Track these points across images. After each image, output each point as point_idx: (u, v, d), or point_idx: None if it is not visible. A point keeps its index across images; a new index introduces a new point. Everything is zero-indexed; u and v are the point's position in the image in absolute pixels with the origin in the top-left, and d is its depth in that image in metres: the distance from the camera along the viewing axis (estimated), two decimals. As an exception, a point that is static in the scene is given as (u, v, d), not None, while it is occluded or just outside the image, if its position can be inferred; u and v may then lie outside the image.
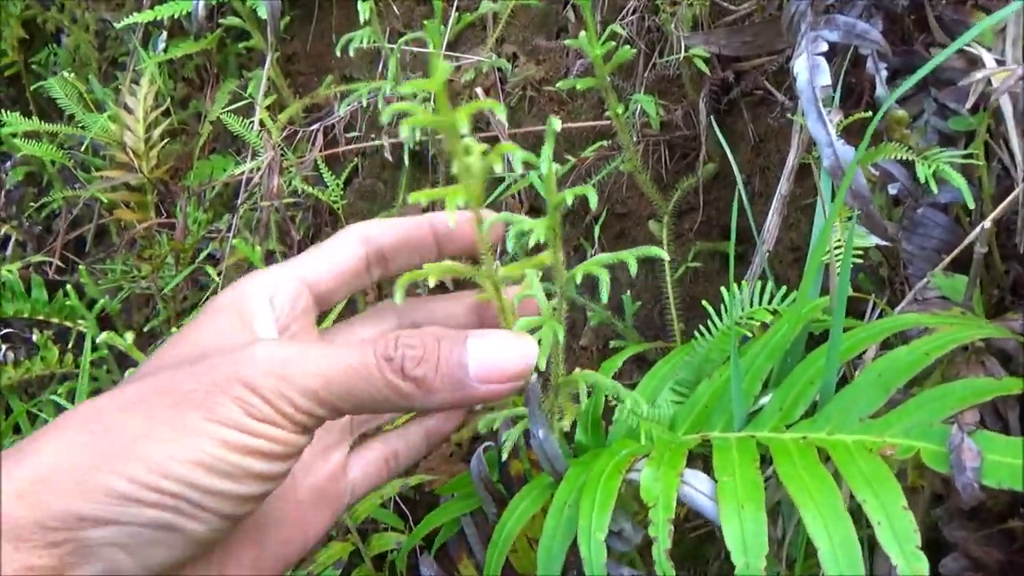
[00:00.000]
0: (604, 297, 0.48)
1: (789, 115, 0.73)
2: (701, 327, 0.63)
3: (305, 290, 0.51)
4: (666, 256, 0.51)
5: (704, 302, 0.64)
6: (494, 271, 0.48)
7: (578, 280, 0.49)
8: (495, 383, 0.44)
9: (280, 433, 0.42)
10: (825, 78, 0.57)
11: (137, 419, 0.41)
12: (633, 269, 0.48)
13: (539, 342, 0.46)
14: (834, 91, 0.58)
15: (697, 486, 0.43)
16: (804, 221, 0.85)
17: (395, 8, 1.17)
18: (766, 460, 0.48)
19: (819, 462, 0.41)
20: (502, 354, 0.45)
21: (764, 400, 0.51)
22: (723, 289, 0.61)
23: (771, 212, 0.74)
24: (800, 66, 0.59)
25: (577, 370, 0.54)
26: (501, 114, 0.48)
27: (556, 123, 0.46)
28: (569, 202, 0.46)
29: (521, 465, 0.55)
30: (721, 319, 0.63)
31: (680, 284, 0.90)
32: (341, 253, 0.52)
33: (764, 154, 0.88)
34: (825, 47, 0.58)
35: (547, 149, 0.46)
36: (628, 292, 0.91)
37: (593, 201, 0.47)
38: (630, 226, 0.96)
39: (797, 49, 0.61)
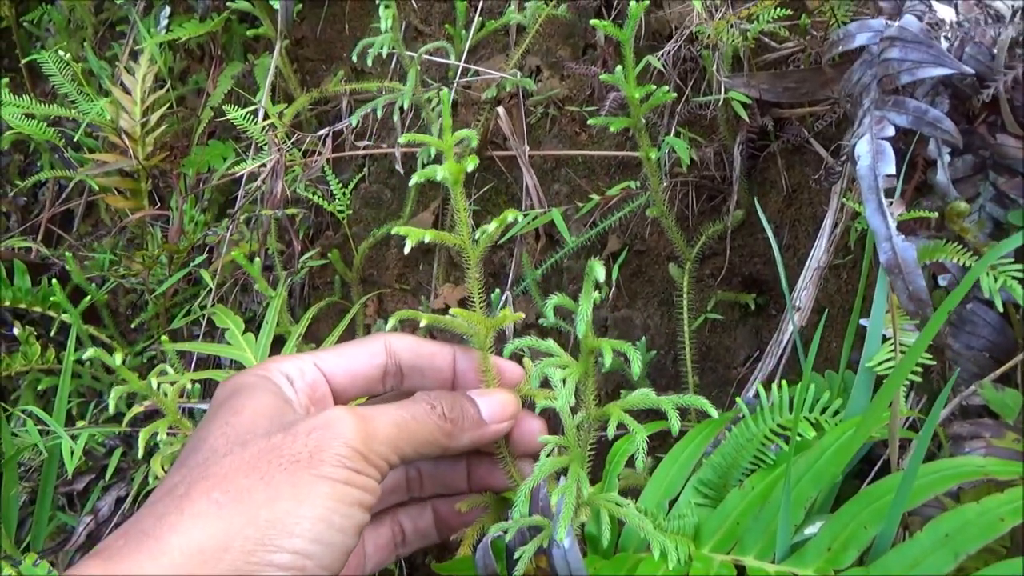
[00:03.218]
0: (640, 464, 0.45)
1: (833, 180, 0.68)
2: (732, 428, 0.59)
3: (323, 379, 0.55)
4: (715, 414, 0.48)
5: (738, 399, 0.60)
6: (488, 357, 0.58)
7: (611, 434, 0.47)
8: (498, 422, 0.56)
9: (370, 482, 0.48)
10: (890, 166, 0.53)
11: (257, 482, 0.46)
12: (675, 428, 0.46)
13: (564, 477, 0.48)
14: (897, 180, 0.54)
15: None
16: (832, 281, 0.81)
17: (412, 2, 1.10)
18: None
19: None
20: (499, 403, 0.56)
21: (809, 531, 0.47)
22: (759, 387, 0.57)
23: (804, 282, 0.70)
24: (862, 149, 0.55)
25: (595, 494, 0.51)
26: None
27: (600, 271, 0.44)
28: (608, 361, 0.45)
29: (531, 568, 0.52)
30: (752, 415, 0.59)
31: (697, 333, 0.87)
32: (362, 359, 0.57)
33: (796, 205, 0.84)
34: (892, 132, 0.54)
35: (585, 301, 0.43)
36: (643, 338, 0.87)
37: (636, 369, 0.45)
38: (648, 264, 0.92)
39: (858, 126, 0.57)
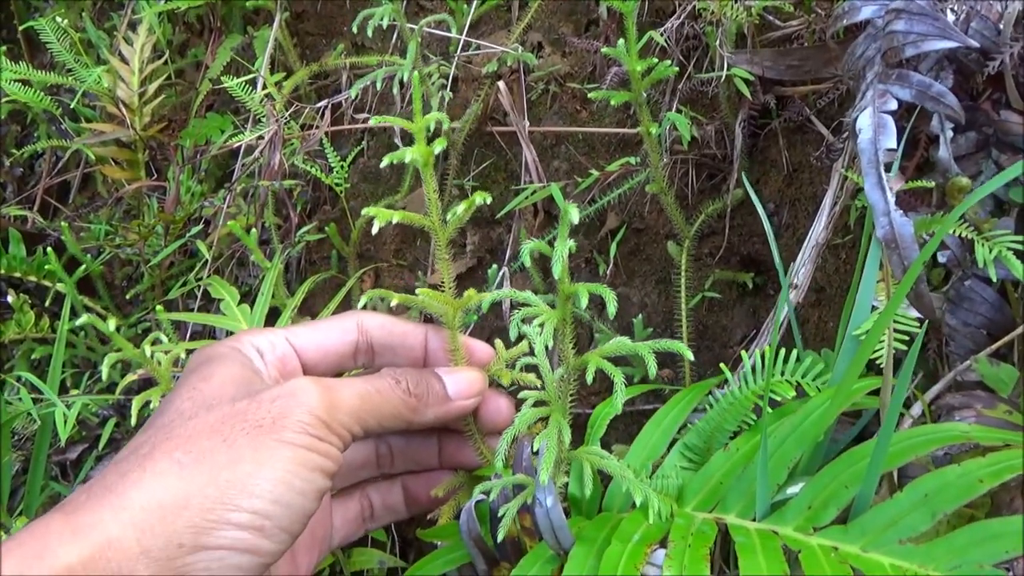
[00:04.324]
0: (619, 405, 0.45)
1: (834, 158, 0.68)
2: (716, 392, 0.59)
3: (294, 353, 0.56)
4: (691, 356, 0.48)
5: (722, 364, 0.60)
6: (459, 335, 0.59)
7: (589, 379, 0.47)
8: (463, 399, 0.58)
9: (332, 449, 0.49)
10: (891, 140, 0.53)
11: (219, 445, 0.47)
12: (652, 370, 0.46)
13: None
14: (898, 156, 0.54)
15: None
16: (831, 261, 0.81)
17: (415, -24, 1.09)
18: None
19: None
20: (465, 380, 0.58)
21: (791, 490, 0.47)
22: (744, 354, 0.57)
23: (802, 260, 0.69)
24: (864, 122, 0.54)
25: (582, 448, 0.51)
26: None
27: (574, 213, 0.44)
28: (584, 302, 0.45)
29: (514, 528, 0.52)
30: (738, 381, 0.59)
31: (694, 311, 0.86)
32: (334, 335, 0.58)
33: (796, 185, 0.83)
34: (894, 105, 0.54)
35: (561, 245, 0.43)
36: (640, 315, 0.87)
37: (611, 308, 0.45)
38: (646, 242, 0.92)
39: (860, 99, 0.56)
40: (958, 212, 0.43)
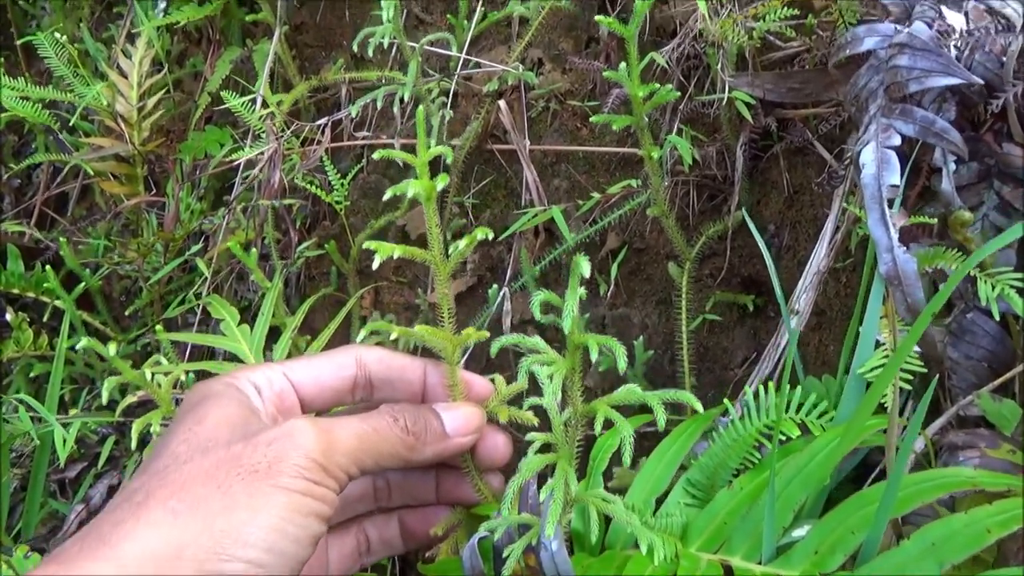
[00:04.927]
0: (627, 460, 0.46)
1: (835, 184, 0.68)
2: (720, 430, 0.59)
3: (292, 389, 0.56)
4: (701, 408, 0.48)
5: (727, 400, 0.60)
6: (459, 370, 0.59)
7: (598, 430, 0.47)
8: (461, 435, 0.57)
9: (328, 493, 0.49)
10: (895, 176, 0.53)
11: (214, 491, 0.46)
12: (662, 423, 0.46)
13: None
14: (901, 186, 0.53)
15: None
16: (832, 284, 0.81)
17: (415, -11, 1.09)
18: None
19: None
20: (463, 416, 0.58)
21: (797, 533, 0.47)
22: (747, 388, 0.57)
23: (803, 286, 0.69)
24: (867, 157, 0.54)
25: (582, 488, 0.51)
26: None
27: (585, 266, 0.44)
28: (595, 356, 0.45)
29: (518, 567, 0.52)
30: (739, 410, 0.59)
31: (695, 333, 0.86)
32: (332, 370, 0.57)
33: (797, 207, 0.83)
34: (898, 140, 0.54)
35: (571, 297, 0.43)
36: (640, 337, 0.87)
37: (622, 364, 0.45)
38: (647, 262, 0.92)
39: (863, 132, 0.56)
40: (974, 260, 0.43)
